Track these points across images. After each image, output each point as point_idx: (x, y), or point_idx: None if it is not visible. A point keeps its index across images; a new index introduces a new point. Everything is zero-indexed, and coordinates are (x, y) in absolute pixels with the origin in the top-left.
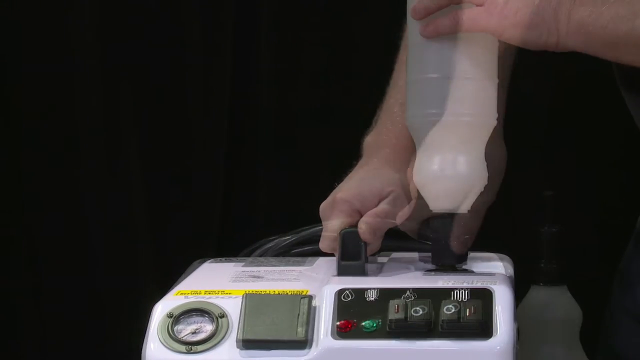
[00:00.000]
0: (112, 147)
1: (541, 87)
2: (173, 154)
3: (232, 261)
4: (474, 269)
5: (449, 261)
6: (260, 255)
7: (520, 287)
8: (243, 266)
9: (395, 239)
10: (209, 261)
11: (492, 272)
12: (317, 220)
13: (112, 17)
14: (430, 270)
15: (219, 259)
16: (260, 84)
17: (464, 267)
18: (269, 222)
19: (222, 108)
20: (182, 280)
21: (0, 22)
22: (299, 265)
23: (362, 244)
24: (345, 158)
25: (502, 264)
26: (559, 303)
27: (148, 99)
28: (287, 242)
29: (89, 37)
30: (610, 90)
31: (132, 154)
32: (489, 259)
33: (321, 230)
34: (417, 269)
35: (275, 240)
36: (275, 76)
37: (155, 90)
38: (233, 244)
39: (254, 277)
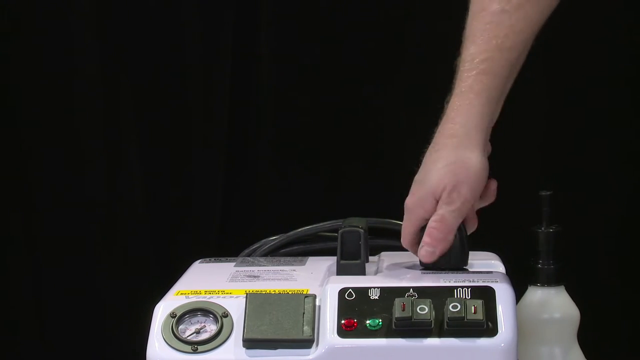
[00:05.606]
0: (113, 147)
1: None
2: (173, 154)
3: (221, 261)
4: (468, 267)
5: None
6: (260, 255)
7: (517, 287)
8: (235, 266)
9: (387, 238)
10: (198, 261)
11: (490, 270)
12: (316, 220)
13: (112, 17)
14: (427, 269)
15: (207, 259)
16: (261, 83)
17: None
18: (269, 222)
19: (222, 108)
20: (179, 280)
21: (0, 22)
22: (290, 265)
23: (361, 243)
24: (346, 158)
25: (494, 262)
26: (556, 303)
27: (148, 100)
28: (279, 242)
29: (89, 37)
30: (609, 90)
31: (132, 153)
32: (479, 257)
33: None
34: (413, 268)
35: (263, 240)
36: (275, 76)
37: (156, 91)
38: (233, 244)
39: (250, 276)
